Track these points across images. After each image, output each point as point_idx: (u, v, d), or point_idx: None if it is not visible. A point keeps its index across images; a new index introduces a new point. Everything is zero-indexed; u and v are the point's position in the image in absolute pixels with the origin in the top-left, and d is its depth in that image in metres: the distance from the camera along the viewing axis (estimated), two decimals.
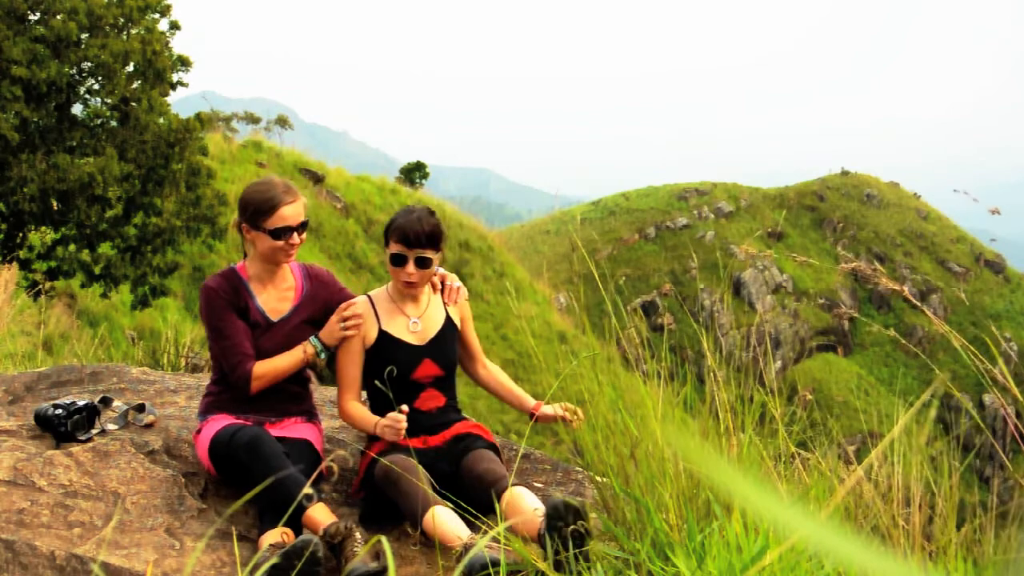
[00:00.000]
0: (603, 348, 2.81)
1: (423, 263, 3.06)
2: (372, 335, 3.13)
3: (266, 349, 3.08)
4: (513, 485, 2.74)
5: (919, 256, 41.17)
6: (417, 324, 3.15)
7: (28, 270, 11.44)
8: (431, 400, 3.13)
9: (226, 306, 3.04)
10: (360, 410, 3.11)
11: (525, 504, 2.63)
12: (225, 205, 12.96)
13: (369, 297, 3.20)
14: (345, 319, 3.11)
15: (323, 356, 3.14)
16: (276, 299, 3.15)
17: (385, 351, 3.12)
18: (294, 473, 2.76)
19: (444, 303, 3.24)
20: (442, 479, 2.95)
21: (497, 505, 2.56)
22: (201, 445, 3.05)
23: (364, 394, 3.28)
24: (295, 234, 3.05)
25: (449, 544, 2.56)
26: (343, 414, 3.15)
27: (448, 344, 3.18)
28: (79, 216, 11.25)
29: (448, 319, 3.21)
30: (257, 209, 3.01)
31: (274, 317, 3.13)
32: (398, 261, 3.07)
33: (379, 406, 3.14)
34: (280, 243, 3.03)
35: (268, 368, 3.05)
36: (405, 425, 2.90)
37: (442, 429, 3.10)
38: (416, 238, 3.03)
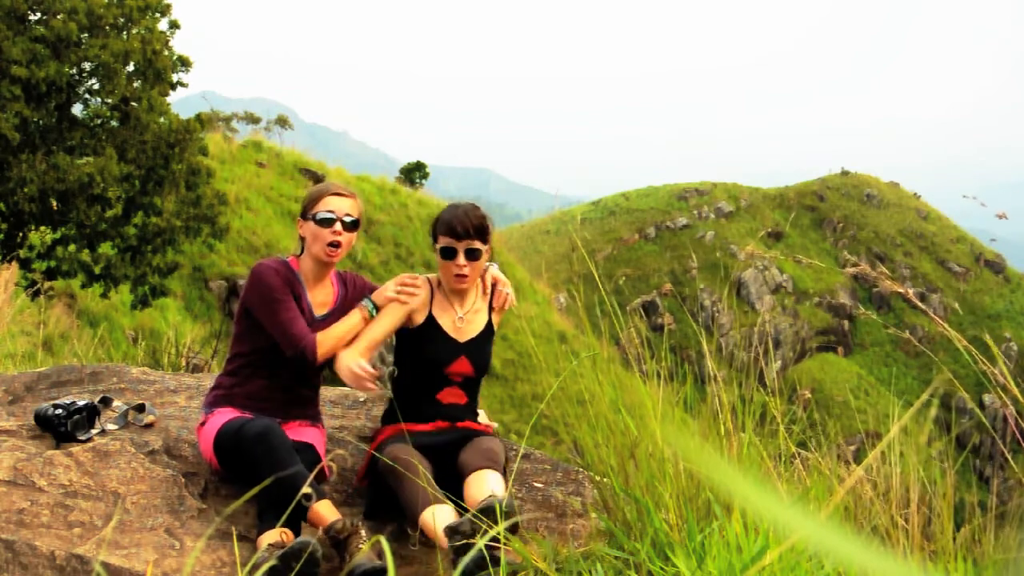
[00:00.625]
0: (603, 348, 2.81)
1: (473, 255, 3.07)
2: (421, 315, 3.15)
3: None
4: (483, 469, 2.75)
5: (919, 256, 41.18)
6: (463, 320, 3.17)
7: (28, 270, 11.44)
8: (452, 396, 3.15)
9: (284, 283, 3.07)
10: (337, 340, 3.05)
11: (479, 488, 2.65)
12: (225, 205, 12.96)
13: (429, 280, 3.21)
14: (403, 283, 3.13)
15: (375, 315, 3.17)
16: (319, 298, 3.19)
17: (427, 337, 3.13)
18: (302, 469, 2.75)
19: (491, 308, 3.24)
20: (443, 456, 2.96)
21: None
22: (205, 437, 3.04)
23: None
24: (339, 224, 3.06)
25: (446, 544, 2.56)
26: (325, 348, 3.06)
27: (485, 347, 3.19)
28: (79, 216, 11.26)
29: (489, 323, 3.23)
30: (308, 201, 3.11)
31: (317, 315, 3.17)
32: (448, 254, 3.07)
33: (402, 389, 3.17)
34: (326, 231, 3.04)
35: (329, 336, 3.06)
36: (370, 382, 2.86)
37: (454, 421, 3.13)
38: (464, 230, 3.04)
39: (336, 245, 3.06)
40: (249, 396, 3.10)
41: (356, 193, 3.18)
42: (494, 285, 3.27)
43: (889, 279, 2.51)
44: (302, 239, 3.16)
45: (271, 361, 3.10)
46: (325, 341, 3.04)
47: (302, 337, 3.00)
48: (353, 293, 3.26)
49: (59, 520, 2.69)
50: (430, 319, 3.14)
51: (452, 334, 3.14)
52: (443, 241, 3.07)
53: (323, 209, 3.05)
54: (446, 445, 3.01)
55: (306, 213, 3.10)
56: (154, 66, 11.88)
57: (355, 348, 3.10)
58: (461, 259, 3.05)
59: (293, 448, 2.83)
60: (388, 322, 3.13)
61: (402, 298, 3.12)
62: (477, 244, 3.06)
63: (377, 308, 3.14)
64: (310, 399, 3.25)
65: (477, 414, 3.25)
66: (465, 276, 3.08)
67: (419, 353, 3.13)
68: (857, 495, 2.37)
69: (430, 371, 3.11)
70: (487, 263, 3.25)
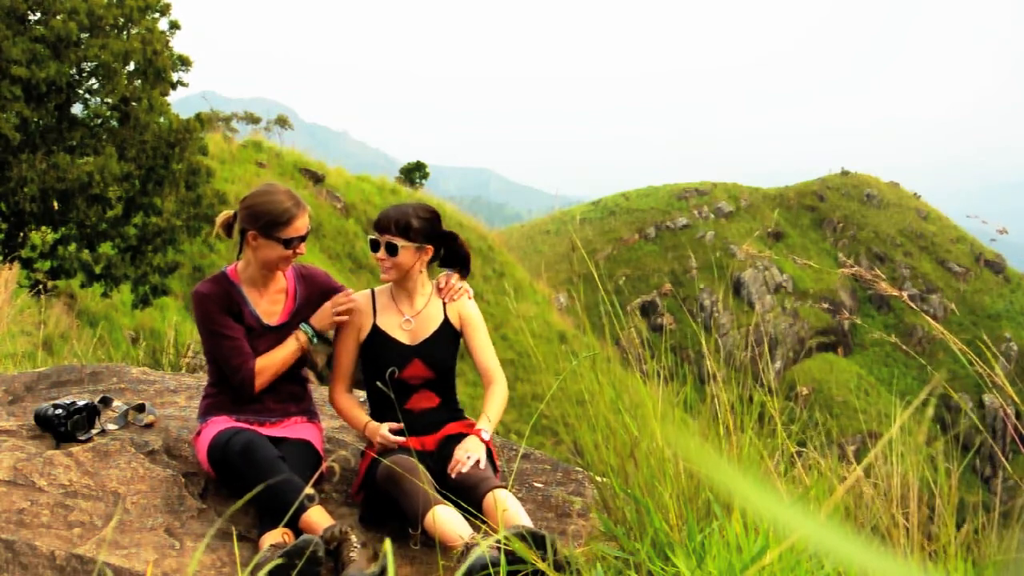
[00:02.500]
0: (603, 348, 2.81)
1: (391, 249, 3.05)
2: (367, 328, 3.15)
3: (260, 352, 3.09)
4: (496, 488, 2.71)
5: (919, 256, 41.17)
6: (411, 323, 3.14)
7: (30, 270, 11.45)
8: (423, 401, 3.11)
9: (220, 310, 3.05)
10: (350, 405, 3.14)
11: (503, 510, 2.63)
12: (225, 204, 12.93)
13: (372, 291, 3.22)
14: (338, 304, 3.14)
15: (316, 341, 3.15)
16: (269, 302, 3.16)
17: (376, 347, 3.12)
18: (289, 478, 2.76)
19: (443, 302, 3.23)
20: (435, 480, 2.95)
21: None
22: (200, 449, 3.05)
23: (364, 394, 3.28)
24: (303, 244, 3.09)
25: (450, 543, 2.56)
26: (332, 402, 3.20)
27: (442, 346, 3.14)
28: (79, 216, 11.26)
29: (446, 321, 3.17)
30: (274, 220, 3.01)
31: (268, 320, 3.13)
32: (373, 247, 3.10)
33: (375, 404, 3.16)
34: (289, 252, 3.05)
35: (267, 362, 3.07)
36: (397, 444, 2.93)
37: (435, 429, 3.09)
38: (385, 223, 3.05)
39: (298, 255, 3.09)
40: (238, 400, 3.10)
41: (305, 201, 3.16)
42: (447, 280, 3.25)
43: (885, 282, 2.51)
44: (244, 247, 3.11)
45: None
46: (264, 371, 3.06)
47: (239, 369, 3.03)
48: (313, 289, 3.24)
49: (59, 520, 2.69)
50: (374, 329, 3.14)
51: (401, 338, 3.12)
52: (371, 234, 3.10)
53: (295, 234, 3.03)
54: (432, 460, 3.00)
55: (271, 233, 3.02)
56: (154, 66, 11.88)
57: (341, 390, 3.16)
58: (381, 252, 3.07)
59: (278, 458, 2.84)
60: (349, 346, 3.16)
61: (342, 319, 3.13)
62: (397, 240, 3.05)
63: (317, 333, 3.14)
64: (299, 394, 3.24)
65: (459, 409, 3.23)
66: (388, 271, 3.09)
67: (372, 364, 3.12)
68: (857, 495, 2.37)
69: (391, 381, 3.07)
70: (450, 272, 3.24)
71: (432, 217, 3.13)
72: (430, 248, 3.12)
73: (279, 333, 3.13)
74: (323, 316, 3.16)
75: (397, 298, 3.18)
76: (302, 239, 3.07)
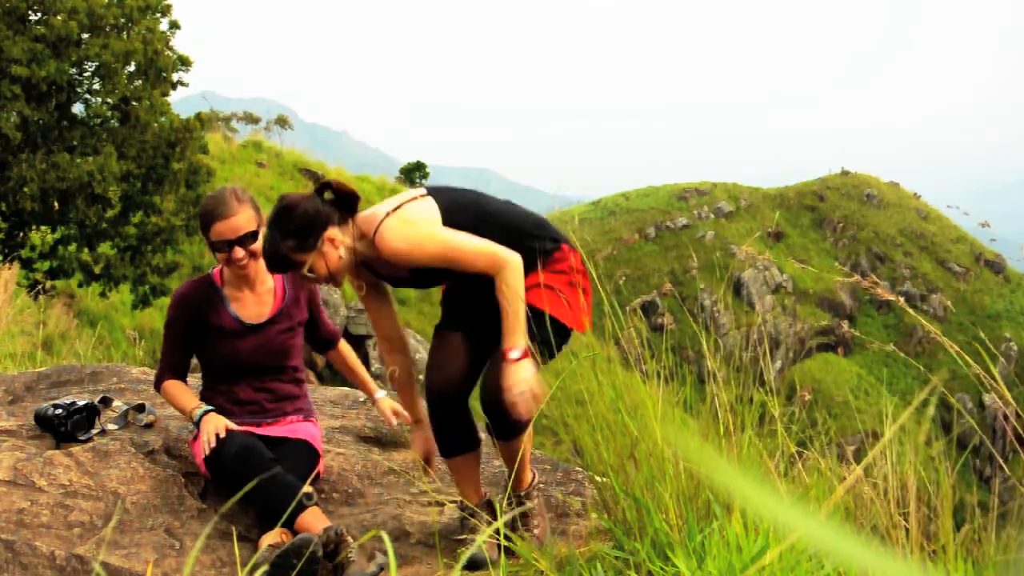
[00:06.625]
0: (603, 348, 2.81)
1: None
2: None
3: (243, 352, 3.06)
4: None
5: (919, 256, 41.18)
6: None
7: (30, 270, 11.45)
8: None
9: (189, 317, 3.05)
10: (175, 405, 3.14)
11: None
12: None
13: None
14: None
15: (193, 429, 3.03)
16: (254, 303, 3.11)
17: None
18: (283, 480, 2.75)
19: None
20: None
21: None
22: (197, 453, 3.05)
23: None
24: (236, 248, 2.94)
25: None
26: (166, 398, 3.20)
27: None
28: (79, 216, 11.26)
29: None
30: (202, 224, 2.98)
31: (251, 321, 3.09)
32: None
33: None
34: (223, 255, 2.96)
35: (171, 395, 3.10)
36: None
37: None
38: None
39: (241, 262, 2.97)
40: (233, 402, 3.09)
41: (246, 199, 2.97)
42: None
43: (882, 288, 2.50)
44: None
45: (234, 370, 3.10)
46: (167, 396, 3.12)
47: (158, 375, 3.15)
48: (300, 288, 3.20)
49: (59, 520, 2.69)
50: None
51: None
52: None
53: (214, 238, 2.93)
54: None
55: (205, 236, 2.98)
56: (155, 66, 11.88)
57: None
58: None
59: (273, 460, 2.83)
60: None
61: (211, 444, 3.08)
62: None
63: (196, 424, 2.96)
64: (295, 393, 3.22)
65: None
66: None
67: None
68: (857, 495, 2.37)
69: None
70: None
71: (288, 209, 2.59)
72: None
73: (260, 332, 3.10)
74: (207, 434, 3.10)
75: None
76: (233, 243, 2.91)
